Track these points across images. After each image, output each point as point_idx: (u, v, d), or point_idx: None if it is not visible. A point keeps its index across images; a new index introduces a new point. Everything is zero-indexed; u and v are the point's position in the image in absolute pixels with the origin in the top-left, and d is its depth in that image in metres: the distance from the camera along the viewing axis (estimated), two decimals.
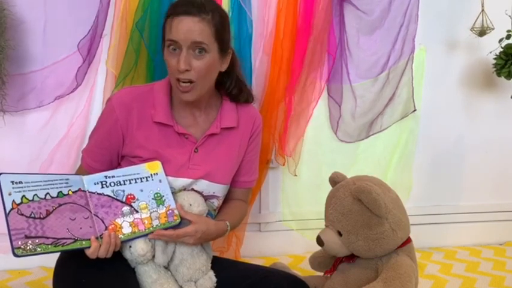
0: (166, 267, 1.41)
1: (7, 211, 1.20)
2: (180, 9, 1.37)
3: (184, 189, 1.46)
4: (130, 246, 1.35)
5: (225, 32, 1.44)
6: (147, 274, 1.37)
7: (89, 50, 1.89)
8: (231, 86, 1.55)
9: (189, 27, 1.36)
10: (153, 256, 1.37)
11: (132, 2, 1.89)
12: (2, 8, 1.75)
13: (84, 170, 1.49)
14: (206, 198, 1.48)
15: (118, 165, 1.49)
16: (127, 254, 1.37)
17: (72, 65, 1.89)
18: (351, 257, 1.64)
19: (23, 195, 1.24)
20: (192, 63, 1.38)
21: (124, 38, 1.91)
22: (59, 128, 1.95)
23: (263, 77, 2.08)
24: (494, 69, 2.16)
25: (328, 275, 1.70)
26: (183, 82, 1.40)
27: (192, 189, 1.47)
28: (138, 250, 1.34)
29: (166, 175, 1.42)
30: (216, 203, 1.53)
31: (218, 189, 1.51)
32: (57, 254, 1.39)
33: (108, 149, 1.48)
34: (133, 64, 1.91)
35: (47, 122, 1.94)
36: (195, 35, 1.36)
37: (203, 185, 1.48)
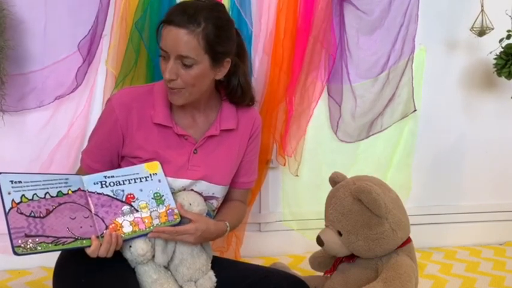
0: (166, 267, 1.41)
1: (7, 210, 1.20)
2: (171, 18, 1.35)
3: (184, 190, 1.46)
4: (130, 246, 1.35)
5: (220, 43, 1.37)
6: (147, 274, 1.36)
7: (89, 50, 1.89)
8: (232, 90, 1.53)
9: (176, 40, 1.33)
10: (153, 256, 1.37)
11: (132, 2, 1.89)
12: (2, 8, 1.75)
13: (84, 171, 1.49)
14: (205, 199, 1.48)
15: (118, 166, 1.49)
16: (127, 254, 1.36)
17: (72, 65, 1.89)
18: (351, 257, 1.64)
19: (23, 195, 1.24)
20: (179, 72, 1.37)
21: (124, 38, 1.91)
22: (59, 128, 1.95)
23: (263, 77, 2.07)
24: (495, 69, 2.16)
25: (328, 275, 1.70)
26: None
27: (192, 190, 1.46)
28: (138, 250, 1.33)
29: (165, 176, 1.42)
30: (215, 203, 1.53)
31: (217, 190, 1.51)
32: (57, 254, 1.39)
33: (109, 150, 1.48)
34: (133, 64, 1.91)
35: (47, 122, 1.94)
36: (180, 49, 1.34)
37: (202, 186, 1.47)
